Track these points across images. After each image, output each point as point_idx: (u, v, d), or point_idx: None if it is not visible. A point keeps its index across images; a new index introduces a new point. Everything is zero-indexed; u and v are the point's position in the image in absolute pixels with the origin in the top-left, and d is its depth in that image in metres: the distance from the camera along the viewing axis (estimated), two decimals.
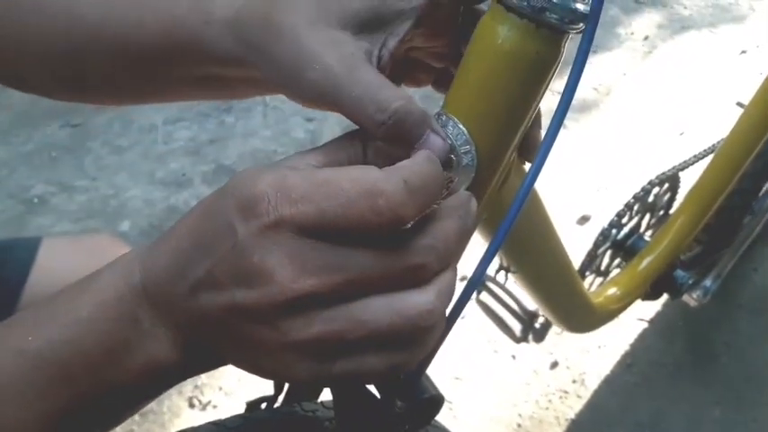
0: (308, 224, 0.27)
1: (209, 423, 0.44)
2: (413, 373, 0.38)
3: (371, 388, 0.43)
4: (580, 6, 0.32)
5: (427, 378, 0.43)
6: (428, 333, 0.30)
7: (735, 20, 2.45)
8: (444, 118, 0.35)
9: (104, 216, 1.54)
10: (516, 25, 0.32)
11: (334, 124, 1.85)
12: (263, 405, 0.50)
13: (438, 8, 0.36)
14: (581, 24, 0.32)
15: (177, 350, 0.30)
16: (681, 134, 1.86)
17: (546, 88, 0.35)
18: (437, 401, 0.42)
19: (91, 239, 0.81)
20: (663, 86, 2.06)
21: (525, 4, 0.31)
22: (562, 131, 1.82)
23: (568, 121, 1.88)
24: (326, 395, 0.52)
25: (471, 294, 0.34)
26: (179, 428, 0.53)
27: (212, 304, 0.28)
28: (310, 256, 0.27)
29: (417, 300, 0.28)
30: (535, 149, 0.39)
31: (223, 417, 0.50)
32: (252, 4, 0.35)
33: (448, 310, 0.36)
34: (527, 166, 0.44)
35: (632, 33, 2.32)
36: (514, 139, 0.36)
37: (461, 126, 0.34)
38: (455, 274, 0.31)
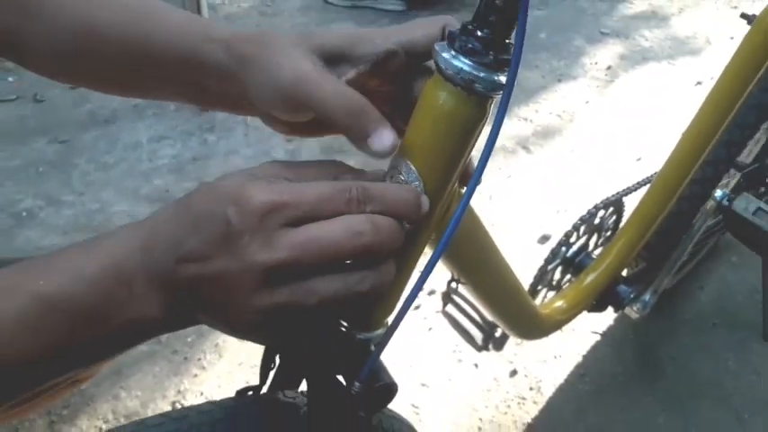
0: (291, 212, 0.36)
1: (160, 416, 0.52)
2: (369, 358, 0.47)
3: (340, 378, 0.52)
4: (500, 78, 0.41)
5: (384, 369, 0.52)
6: (372, 299, 0.40)
7: (692, 52, 2.61)
8: (399, 160, 0.44)
9: (91, 230, 1.60)
10: (452, 92, 0.42)
11: (312, 144, 1.94)
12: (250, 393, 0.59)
13: (393, 59, 0.46)
14: (501, 91, 0.42)
15: (161, 310, 0.38)
16: (638, 159, 1.99)
17: (477, 136, 0.45)
18: (391, 388, 0.51)
19: None
20: (623, 114, 2.20)
21: (459, 76, 0.41)
22: (527, 156, 1.95)
23: (533, 145, 2.00)
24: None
25: (418, 293, 0.43)
26: None
27: (199, 272, 0.37)
28: (284, 237, 0.36)
29: (361, 276, 0.38)
30: (469, 177, 0.49)
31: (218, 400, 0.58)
32: (246, 35, 0.45)
33: (396, 311, 0.45)
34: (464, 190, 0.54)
35: (596, 63, 2.46)
36: (453, 176, 0.46)
37: (413, 167, 0.44)
38: (394, 261, 0.41)
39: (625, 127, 2.13)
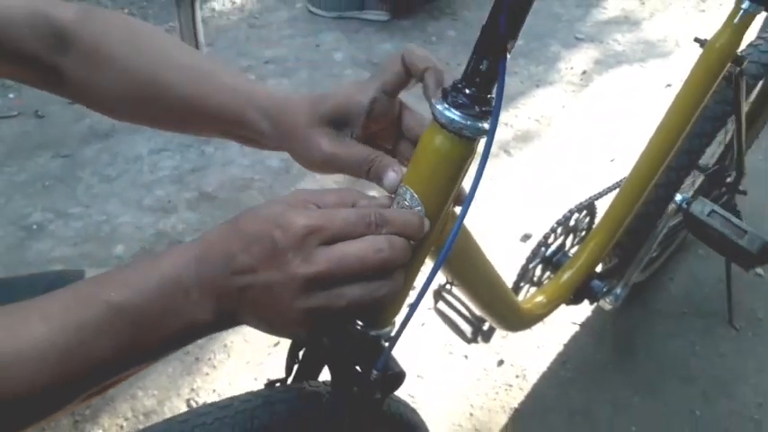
0: (326, 234, 0.46)
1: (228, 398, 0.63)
2: (385, 350, 0.58)
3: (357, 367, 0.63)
4: (484, 125, 0.52)
5: (394, 360, 0.63)
6: (386, 302, 0.50)
7: (662, 55, 2.74)
8: (404, 189, 0.55)
9: (99, 241, 1.70)
10: (446, 136, 0.53)
11: None
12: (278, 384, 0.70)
13: (377, 105, 0.57)
14: (485, 135, 0.53)
15: (212, 314, 0.46)
16: (612, 161, 2.12)
17: (467, 169, 0.56)
18: (401, 375, 0.62)
19: None
20: (597, 118, 2.32)
21: (451, 125, 0.52)
22: (508, 159, 2.07)
23: (513, 149, 2.12)
24: (323, 376, 0.72)
25: (422, 298, 0.54)
26: None
27: (249, 283, 0.46)
28: (320, 254, 0.46)
29: (379, 285, 0.48)
30: (462, 200, 0.61)
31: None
32: (277, 104, 0.57)
33: (404, 312, 0.56)
34: (458, 209, 0.65)
35: (572, 68, 2.58)
36: (448, 201, 0.57)
37: (416, 195, 0.55)
38: (404, 271, 0.51)
39: (599, 130, 2.25)
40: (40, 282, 0.92)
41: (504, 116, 2.25)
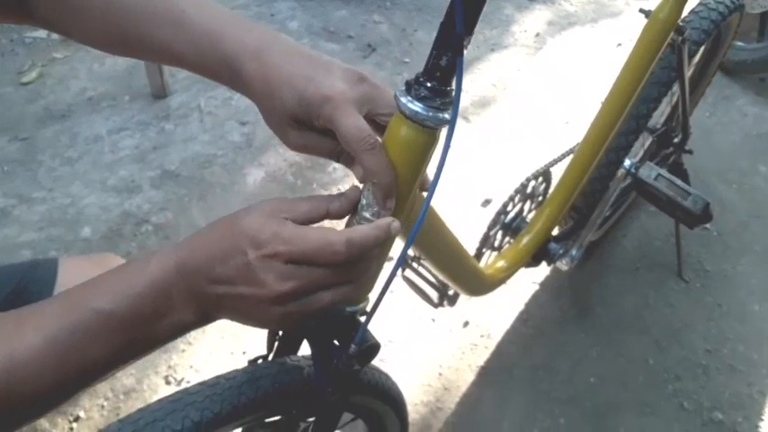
0: (292, 257, 0.49)
1: (215, 377, 0.67)
2: (361, 327, 0.63)
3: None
4: (445, 115, 0.56)
5: (369, 333, 0.67)
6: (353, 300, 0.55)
7: (612, 15, 2.79)
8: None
9: (65, 224, 1.69)
10: (411, 126, 0.57)
11: (266, 127, 2.05)
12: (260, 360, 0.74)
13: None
14: (446, 124, 0.57)
15: (194, 315, 0.50)
16: (566, 123, 2.18)
17: (431, 156, 0.60)
18: (376, 347, 0.67)
19: (100, 258, 0.98)
20: (552, 80, 2.37)
21: (415, 116, 0.56)
22: (466, 125, 2.09)
23: (471, 115, 2.16)
24: (303, 350, 0.76)
25: (395, 275, 0.59)
26: None
27: (227, 292, 0.50)
28: (290, 273, 0.49)
29: (348, 288, 0.52)
30: (428, 184, 0.65)
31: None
32: (261, 81, 0.57)
33: (380, 285, 0.61)
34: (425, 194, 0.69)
35: (525, 31, 2.62)
36: (415, 185, 0.61)
37: None
38: (369, 273, 0.55)
39: (554, 92, 2.31)
40: (18, 270, 0.92)
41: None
